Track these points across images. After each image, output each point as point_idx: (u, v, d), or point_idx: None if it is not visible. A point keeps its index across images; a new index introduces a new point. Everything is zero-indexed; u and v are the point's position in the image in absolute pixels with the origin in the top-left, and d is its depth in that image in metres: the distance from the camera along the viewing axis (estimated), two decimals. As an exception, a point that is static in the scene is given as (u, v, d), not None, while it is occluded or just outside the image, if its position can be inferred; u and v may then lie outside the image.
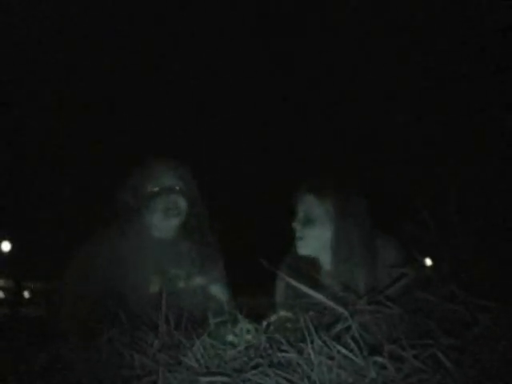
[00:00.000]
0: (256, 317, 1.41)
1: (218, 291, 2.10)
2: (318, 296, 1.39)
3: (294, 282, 1.58)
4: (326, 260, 2.05)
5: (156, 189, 2.02)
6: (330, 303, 1.35)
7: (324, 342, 1.13)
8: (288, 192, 2.13)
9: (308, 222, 2.02)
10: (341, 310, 1.30)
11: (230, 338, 1.32)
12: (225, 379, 1.07)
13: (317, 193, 2.03)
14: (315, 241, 2.02)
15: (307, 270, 2.02)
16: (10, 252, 12.56)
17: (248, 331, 1.32)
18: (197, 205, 2.08)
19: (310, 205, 2.03)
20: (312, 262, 2.06)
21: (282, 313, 1.49)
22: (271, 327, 1.34)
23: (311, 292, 1.42)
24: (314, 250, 2.05)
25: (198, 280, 2.06)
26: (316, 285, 1.92)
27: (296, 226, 2.04)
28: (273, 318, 1.43)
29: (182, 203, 2.05)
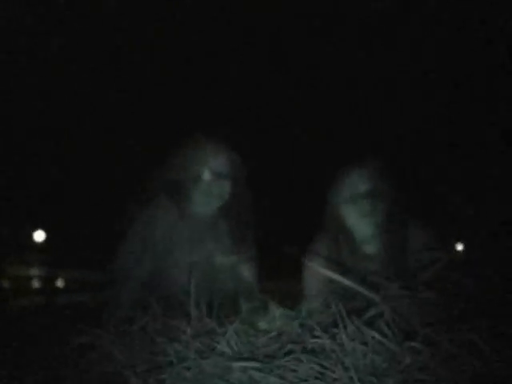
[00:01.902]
0: (288, 303, 1.41)
1: (247, 272, 2.11)
2: (348, 282, 1.38)
3: (322, 270, 1.57)
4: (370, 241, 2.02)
5: (206, 172, 2.06)
6: (362, 289, 1.33)
7: (357, 327, 1.12)
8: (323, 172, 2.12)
9: (377, 195, 1.98)
10: (372, 295, 1.29)
11: (262, 324, 1.32)
12: (258, 365, 1.07)
13: (379, 168, 2.02)
14: (380, 215, 1.99)
15: (342, 253, 2.01)
16: (44, 241, 12.78)
17: (280, 317, 1.32)
18: (240, 186, 2.12)
19: (375, 179, 2.00)
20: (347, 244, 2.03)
21: (314, 298, 1.48)
22: (303, 313, 1.33)
23: (341, 279, 1.41)
24: (377, 226, 2.01)
25: (230, 259, 2.09)
26: (348, 269, 1.91)
27: (362, 200, 1.99)
28: (305, 303, 1.43)
29: (227, 188, 2.09)
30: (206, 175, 2.05)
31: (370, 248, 2.01)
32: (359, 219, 2.01)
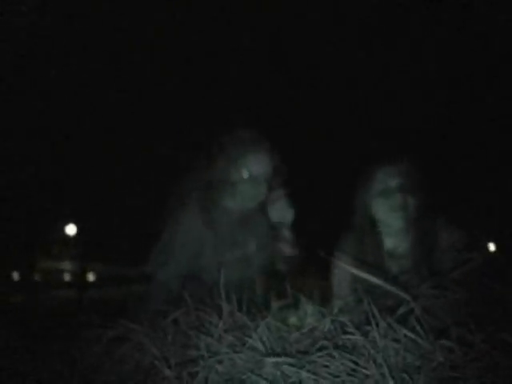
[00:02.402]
0: (319, 299, 1.41)
1: (280, 268, 2.13)
2: (379, 281, 1.38)
3: (352, 269, 1.57)
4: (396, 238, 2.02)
5: (245, 176, 2.09)
6: (392, 288, 1.33)
7: (389, 324, 1.12)
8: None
9: (407, 191, 1.98)
10: (402, 294, 1.29)
11: (294, 320, 1.33)
12: (290, 360, 1.08)
13: (408, 164, 2.02)
14: (410, 211, 1.98)
15: (372, 252, 2.01)
16: (76, 236, 12.97)
17: (311, 314, 1.32)
18: (276, 185, 2.15)
19: (405, 174, 2.00)
20: (377, 244, 2.03)
21: (345, 296, 1.48)
22: (335, 310, 1.34)
23: (371, 278, 1.41)
24: (407, 223, 2.01)
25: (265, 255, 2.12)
26: (379, 267, 1.91)
27: (391, 195, 1.99)
28: (336, 301, 1.43)
29: (264, 189, 2.12)
30: (243, 177, 2.08)
31: (400, 245, 2.01)
32: (389, 214, 2.01)
